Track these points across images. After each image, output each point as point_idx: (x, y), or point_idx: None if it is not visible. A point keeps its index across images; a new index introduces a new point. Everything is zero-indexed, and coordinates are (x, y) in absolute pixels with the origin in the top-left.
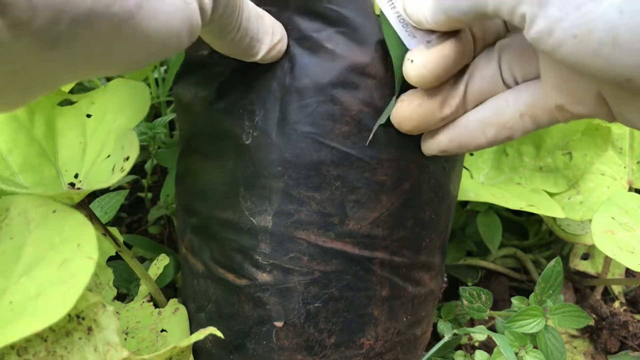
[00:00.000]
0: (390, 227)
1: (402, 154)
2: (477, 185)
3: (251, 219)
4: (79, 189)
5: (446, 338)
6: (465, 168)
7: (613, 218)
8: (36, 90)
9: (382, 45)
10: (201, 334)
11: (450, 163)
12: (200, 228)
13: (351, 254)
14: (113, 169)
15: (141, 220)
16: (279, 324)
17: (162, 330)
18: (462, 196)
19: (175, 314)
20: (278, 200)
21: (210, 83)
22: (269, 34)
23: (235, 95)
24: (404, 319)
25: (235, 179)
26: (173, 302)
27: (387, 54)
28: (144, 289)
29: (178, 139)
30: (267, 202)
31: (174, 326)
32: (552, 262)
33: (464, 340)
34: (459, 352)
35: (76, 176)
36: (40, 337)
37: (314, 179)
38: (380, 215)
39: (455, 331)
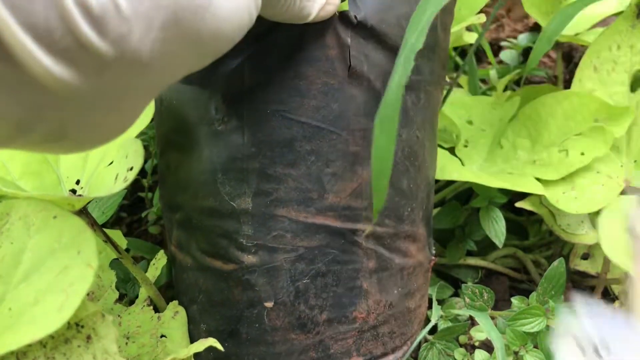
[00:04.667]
0: (370, 197)
1: (372, 123)
2: (460, 166)
3: (231, 203)
4: (80, 195)
5: (433, 321)
6: (458, 158)
7: (618, 222)
8: (129, 118)
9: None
10: (201, 346)
11: (422, 132)
12: (185, 222)
13: (334, 227)
14: (116, 178)
15: (141, 220)
16: (269, 304)
17: (162, 336)
18: (445, 176)
19: (174, 318)
20: (255, 181)
21: None
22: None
23: (202, 81)
24: (395, 291)
25: (212, 166)
26: (172, 305)
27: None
28: (143, 292)
29: (157, 141)
30: (245, 184)
31: (174, 331)
32: (555, 263)
33: (464, 339)
34: (460, 350)
35: (77, 182)
36: (40, 343)
37: (288, 155)
38: (358, 186)
39: (442, 313)
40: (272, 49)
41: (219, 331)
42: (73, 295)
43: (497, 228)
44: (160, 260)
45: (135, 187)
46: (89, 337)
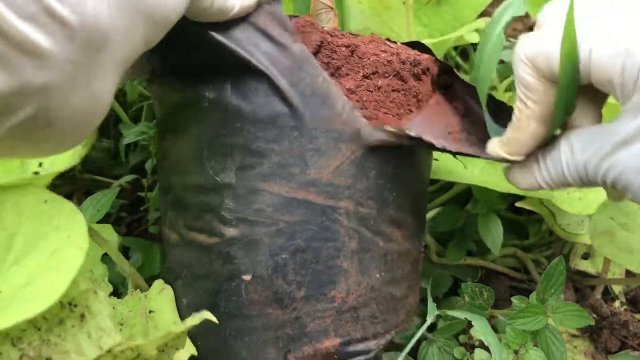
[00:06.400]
0: (353, 176)
1: None
2: (464, 170)
3: (215, 177)
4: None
5: (429, 319)
6: (460, 160)
7: (612, 219)
8: (103, 101)
9: None
10: (196, 320)
11: None
12: (175, 202)
13: (315, 204)
14: (73, 154)
15: (141, 219)
16: (247, 277)
17: (150, 312)
18: (452, 178)
19: (161, 295)
20: (239, 156)
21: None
22: None
23: (190, 59)
24: (377, 275)
25: (200, 143)
26: (157, 283)
27: None
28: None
29: (156, 127)
30: (229, 158)
31: (162, 305)
32: (554, 261)
33: (464, 339)
34: (459, 348)
35: (40, 165)
36: (34, 326)
37: (271, 131)
38: (341, 164)
39: (438, 312)
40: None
41: (199, 304)
42: (64, 274)
43: (494, 236)
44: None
45: (135, 187)
46: (82, 316)
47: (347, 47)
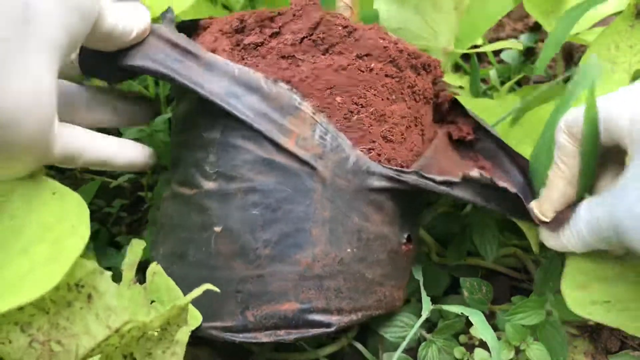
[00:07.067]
0: (331, 145)
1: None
2: None
3: (203, 134)
4: None
5: (424, 315)
6: None
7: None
8: (41, 92)
9: None
10: (194, 293)
11: None
12: (173, 160)
13: (290, 168)
14: None
15: (141, 220)
16: (218, 229)
17: (152, 302)
18: None
19: (154, 278)
20: (225, 115)
21: None
22: (137, 18)
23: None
24: (348, 249)
25: (196, 104)
26: (150, 269)
27: None
28: (127, 275)
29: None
30: (218, 118)
31: (161, 293)
32: (550, 255)
33: (464, 339)
34: (459, 348)
35: None
36: (43, 310)
37: (256, 94)
38: (312, 132)
39: (433, 307)
40: None
41: (172, 254)
42: (64, 261)
43: (490, 248)
44: (137, 246)
45: (135, 187)
46: (89, 297)
47: (345, 27)
